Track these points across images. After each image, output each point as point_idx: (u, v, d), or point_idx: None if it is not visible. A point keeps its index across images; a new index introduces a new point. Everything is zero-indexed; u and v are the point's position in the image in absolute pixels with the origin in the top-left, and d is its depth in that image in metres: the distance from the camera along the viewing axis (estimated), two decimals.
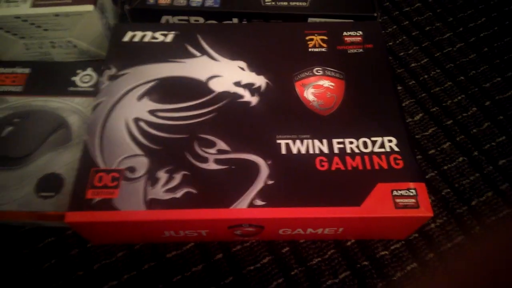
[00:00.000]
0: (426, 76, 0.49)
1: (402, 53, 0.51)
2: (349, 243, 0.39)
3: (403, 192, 0.33)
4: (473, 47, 0.51)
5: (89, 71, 0.44)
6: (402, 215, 0.32)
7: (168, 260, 0.38)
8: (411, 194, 0.33)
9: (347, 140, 0.36)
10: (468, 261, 0.31)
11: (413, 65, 0.50)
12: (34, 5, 0.44)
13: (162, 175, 0.34)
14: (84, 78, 0.43)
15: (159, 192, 0.34)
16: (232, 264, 0.38)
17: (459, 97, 0.47)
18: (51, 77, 0.43)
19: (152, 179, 0.34)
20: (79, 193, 0.33)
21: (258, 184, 0.34)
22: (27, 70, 0.44)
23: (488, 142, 0.44)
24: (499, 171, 0.42)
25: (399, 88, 0.48)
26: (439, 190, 0.41)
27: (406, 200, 0.33)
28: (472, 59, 0.50)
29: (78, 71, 0.44)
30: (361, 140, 0.36)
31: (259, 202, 0.33)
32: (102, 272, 0.37)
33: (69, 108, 0.41)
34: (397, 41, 0.52)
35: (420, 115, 0.46)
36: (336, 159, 0.35)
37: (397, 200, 0.33)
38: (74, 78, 0.43)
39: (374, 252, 0.38)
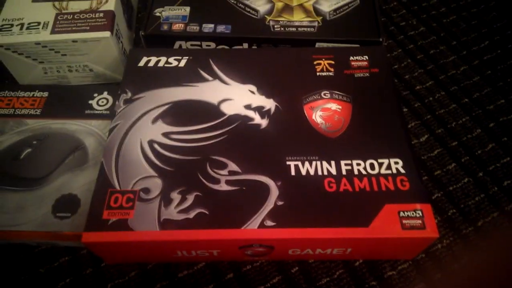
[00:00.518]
0: (431, 98, 0.50)
1: (407, 76, 0.52)
2: (357, 263, 0.39)
3: (409, 213, 0.34)
4: (477, 69, 0.52)
5: (105, 94, 0.45)
6: (409, 236, 0.33)
7: (180, 279, 0.39)
8: (418, 215, 0.34)
9: (354, 162, 0.37)
10: (475, 281, 0.32)
11: (418, 87, 0.51)
12: (54, 31, 0.46)
13: (176, 196, 0.35)
14: (101, 102, 0.45)
15: (172, 212, 0.35)
16: (242, 284, 0.38)
17: (464, 119, 0.48)
18: (68, 100, 0.45)
19: (165, 200, 0.35)
20: (96, 213, 0.35)
21: (269, 205, 0.35)
22: (45, 94, 0.46)
23: (493, 163, 0.45)
24: (504, 191, 0.43)
25: (405, 110, 0.49)
26: (445, 211, 0.42)
27: (412, 221, 0.33)
28: (476, 81, 0.51)
29: (95, 94, 0.45)
30: (368, 161, 0.37)
31: (269, 223, 0.34)
32: None
33: (86, 130, 0.43)
34: (402, 64, 0.53)
35: (426, 136, 0.47)
36: (344, 180, 0.36)
37: (404, 221, 0.34)
38: (91, 102, 0.45)
39: (382, 272, 0.39)
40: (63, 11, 0.47)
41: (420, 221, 0.33)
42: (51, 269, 0.39)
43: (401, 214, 0.34)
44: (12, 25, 0.46)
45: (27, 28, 0.46)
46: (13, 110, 0.44)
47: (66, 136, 0.42)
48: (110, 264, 0.40)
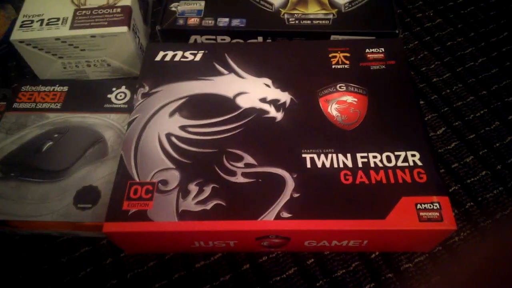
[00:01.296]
0: (448, 91, 0.49)
1: (423, 68, 0.52)
2: (373, 256, 0.39)
3: (427, 206, 0.34)
4: (495, 61, 0.51)
5: (123, 89, 0.46)
6: (426, 228, 0.33)
7: (197, 269, 0.40)
8: (435, 207, 0.34)
9: (370, 155, 0.37)
10: (491, 274, 0.32)
11: (435, 80, 0.50)
12: (73, 27, 0.47)
13: (193, 187, 0.36)
14: (119, 96, 0.46)
15: (190, 204, 0.35)
16: (258, 275, 0.39)
17: (482, 111, 0.47)
18: (88, 94, 0.46)
19: (183, 191, 0.36)
20: (116, 204, 0.35)
21: (285, 197, 0.35)
22: (65, 88, 0.47)
23: (511, 156, 0.44)
24: None
25: (421, 102, 0.49)
26: (462, 204, 0.42)
27: (430, 214, 0.33)
28: (494, 73, 0.50)
29: (113, 89, 0.46)
30: (385, 154, 0.37)
31: (285, 215, 0.34)
32: (134, 280, 0.39)
33: (105, 124, 0.44)
34: (419, 56, 0.53)
35: (443, 129, 0.47)
36: (360, 173, 0.36)
37: (421, 214, 0.33)
38: (109, 96, 0.46)
39: (398, 264, 0.39)
40: (82, 7, 0.48)
41: (438, 214, 0.33)
42: (72, 258, 0.41)
43: (418, 206, 0.34)
44: (32, 21, 0.47)
45: (47, 24, 0.47)
46: (35, 104, 0.46)
47: (86, 130, 0.43)
48: (129, 254, 0.41)
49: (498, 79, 0.50)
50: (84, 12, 0.48)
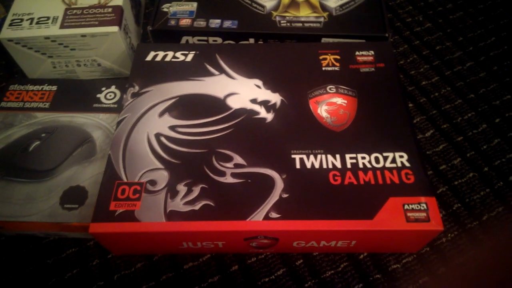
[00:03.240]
0: (436, 94, 0.50)
1: (413, 72, 0.52)
2: (361, 256, 0.39)
3: (414, 206, 0.34)
4: (483, 65, 0.52)
5: (113, 88, 0.46)
6: (413, 229, 0.33)
7: (186, 271, 0.39)
8: (422, 208, 0.34)
9: (359, 156, 0.37)
10: (479, 274, 0.32)
11: (424, 83, 0.51)
12: (63, 26, 0.46)
13: (182, 188, 0.36)
14: (109, 95, 0.45)
15: (178, 204, 0.35)
16: (247, 276, 0.39)
17: (469, 114, 0.48)
18: (77, 94, 0.46)
19: (172, 192, 0.36)
20: (103, 205, 0.35)
21: (274, 197, 0.35)
22: (54, 88, 0.46)
23: (498, 158, 0.45)
24: (509, 186, 0.43)
25: (410, 105, 0.49)
26: (450, 205, 0.42)
27: (417, 214, 0.34)
28: (482, 77, 0.51)
29: (103, 88, 0.46)
30: (373, 155, 0.37)
31: (274, 215, 0.34)
32: (121, 282, 0.39)
33: (94, 123, 0.43)
34: (408, 60, 0.53)
35: (431, 131, 0.47)
36: (349, 173, 0.36)
37: (409, 214, 0.34)
38: (99, 95, 0.45)
39: (387, 265, 0.39)
40: (72, 6, 0.48)
41: (425, 214, 0.34)
42: (58, 260, 0.40)
43: (406, 207, 0.34)
44: (22, 20, 0.47)
45: (37, 23, 0.47)
46: (23, 103, 0.45)
47: (74, 129, 0.43)
48: (117, 256, 0.40)
49: (486, 83, 0.51)
50: (75, 11, 0.48)
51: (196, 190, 0.36)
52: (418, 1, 0.59)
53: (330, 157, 0.37)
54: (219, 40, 0.50)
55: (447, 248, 0.40)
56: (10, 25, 0.47)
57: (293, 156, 0.37)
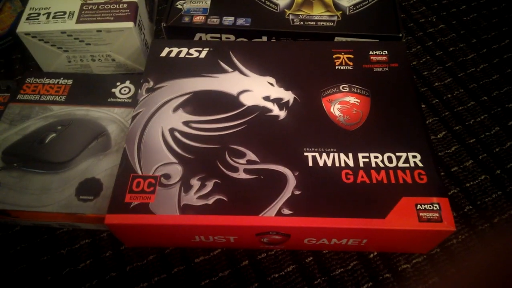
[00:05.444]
0: (449, 95, 0.50)
1: (426, 73, 0.52)
2: (371, 255, 0.40)
3: (427, 206, 0.34)
4: (497, 68, 0.52)
5: (127, 83, 0.47)
6: (425, 229, 0.33)
7: (197, 264, 0.40)
8: (435, 208, 0.34)
9: (372, 155, 0.37)
10: (488, 276, 0.32)
11: (436, 84, 0.51)
12: (79, 21, 0.47)
13: (195, 182, 0.36)
14: (123, 90, 0.46)
15: (192, 198, 0.36)
16: (257, 271, 0.39)
17: (482, 117, 0.48)
18: (92, 88, 0.46)
19: (185, 186, 0.36)
20: (118, 197, 0.36)
21: (286, 194, 0.35)
22: (70, 81, 0.47)
23: (511, 161, 0.45)
24: None
25: (423, 106, 0.49)
26: (461, 207, 0.42)
27: (429, 214, 0.34)
28: (496, 79, 0.51)
29: (118, 83, 0.47)
30: (386, 155, 0.37)
31: (286, 211, 0.35)
32: (134, 274, 0.39)
33: (109, 117, 0.44)
34: (421, 61, 0.53)
35: (443, 133, 0.47)
36: (361, 172, 0.36)
37: (421, 214, 0.34)
38: (113, 90, 0.46)
39: (396, 265, 0.39)
40: (88, 1, 0.49)
41: (437, 214, 0.34)
42: (72, 250, 0.41)
43: (418, 207, 0.34)
44: (39, 14, 0.48)
45: (54, 17, 0.47)
46: (39, 96, 0.46)
47: (90, 123, 0.43)
48: (129, 248, 0.41)
49: (499, 85, 0.50)
50: (90, 6, 0.48)
51: (210, 185, 0.36)
52: (432, 1, 0.59)
53: (342, 155, 0.37)
54: (232, 37, 0.50)
55: (457, 250, 0.40)
56: (27, 19, 0.48)
57: (305, 154, 0.38)
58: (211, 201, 0.35)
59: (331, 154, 0.37)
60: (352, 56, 0.44)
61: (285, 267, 0.39)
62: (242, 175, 0.37)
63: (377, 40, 0.47)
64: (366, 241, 0.36)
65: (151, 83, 0.42)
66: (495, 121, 0.48)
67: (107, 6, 0.48)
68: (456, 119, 0.48)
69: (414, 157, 0.37)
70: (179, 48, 0.45)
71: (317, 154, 0.38)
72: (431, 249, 0.39)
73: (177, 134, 0.39)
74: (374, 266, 0.39)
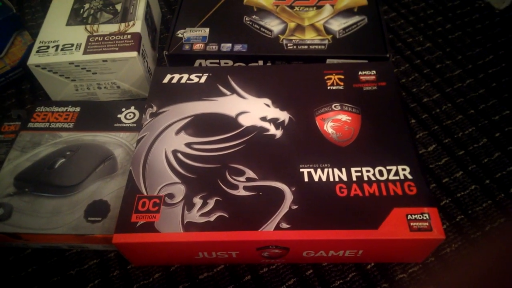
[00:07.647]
0: (438, 110, 0.52)
1: (414, 89, 0.55)
2: (369, 266, 0.41)
3: (417, 216, 0.36)
4: (482, 82, 0.54)
5: (132, 109, 0.49)
6: (416, 238, 0.35)
7: (201, 281, 0.41)
8: (425, 218, 0.36)
9: (364, 169, 0.39)
10: (482, 283, 0.34)
11: (425, 100, 0.53)
12: (86, 52, 0.50)
13: (197, 200, 0.38)
14: (128, 115, 0.49)
15: (195, 216, 0.38)
16: (259, 286, 0.41)
17: (470, 129, 0.50)
18: (98, 114, 0.49)
19: (188, 204, 0.38)
20: (125, 217, 0.38)
21: (284, 209, 0.37)
22: (77, 109, 0.50)
23: (499, 171, 0.46)
24: (510, 198, 0.44)
25: (413, 121, 0.52)
26: (453, 217, 0.44)
27: (420, 224, 0.36)
28: (482, 93, 0.53)
29: (123, 109, 0.49)
30: (377, 168, 0.39)
31: (284, 225, 0.36)
32: None
33: (115, 142, 0.46)
34: (410, 78, 0.56)
35: (433, 146, 0.49)
36: (354, 186, 0.38)
37: (412, 224, 0.36)
38: (119, 116, 0.49)
39: (393, 274, 0.40)
40: (94, 34, 0.52)
41: (427, 224, 0.36)
42: (81, 271, 0.42)
43: (409, 217, 0.36)
44: (48, 47, 0.51)
45: (62, 49, 0.51)
46: (48, 124, 0.48)
47: (97, 147, 0.46)
48: (136, 267, 0.42)
49: (485, 99, 0.53)
50: (96, 38, 0.51)
51: (211, 203, 0.38)
52: (418, 22, 0.62)
53: (336, 170, 0.40)
54: (230, 62, 0.53)
55: (451, 258, 0.41)
56: (37, 51, 0.51)
57: (301, 170, 0.40)
58: (213, 218, 0.37)
59: (326, 170, 0.40)
60: (342, 77, 0.47)
61: (286, 281, 0.41)
62: (242, 192, 0.39)
63: (366, 61, 0.50)
64: (362, 252, 0.38)
65: (155, 108, 0.45)
66: (482, 133, 0.50)
67: (112, 38, 0.51)
68: (445, 132, 0.50)
69: (404, 169, 0.39)
70: (180, 74, 0.48)
71: (312, 170, 0.40)
72: (425, 258, 0.40)
73: (179, 155, 0.41)
74: (372, 277, 0.40)
